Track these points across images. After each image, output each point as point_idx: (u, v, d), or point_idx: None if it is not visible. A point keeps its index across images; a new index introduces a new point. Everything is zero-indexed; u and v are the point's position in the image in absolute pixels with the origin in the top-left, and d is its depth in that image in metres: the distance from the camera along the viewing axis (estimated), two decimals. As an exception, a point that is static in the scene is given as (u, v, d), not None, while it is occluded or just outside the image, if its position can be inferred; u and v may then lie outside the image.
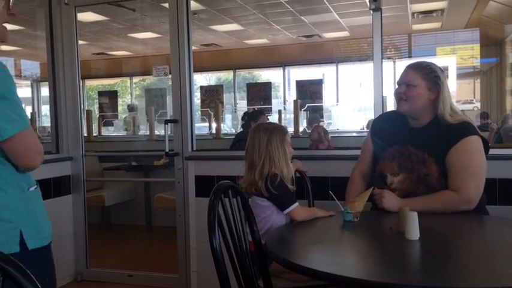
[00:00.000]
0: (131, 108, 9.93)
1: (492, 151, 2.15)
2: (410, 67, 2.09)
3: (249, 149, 2.04)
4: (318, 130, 4.36)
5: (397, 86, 2.11)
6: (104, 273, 3.57)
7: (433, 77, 2.03)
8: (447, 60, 8.64)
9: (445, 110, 2.02)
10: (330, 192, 2.01)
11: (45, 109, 10.46)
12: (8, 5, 1.44)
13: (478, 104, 9.23)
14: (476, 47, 8.40)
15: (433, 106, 2.04)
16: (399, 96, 2.07)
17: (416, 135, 2.07)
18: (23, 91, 11.37)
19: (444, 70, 2.11)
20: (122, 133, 9.43)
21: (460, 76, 9.09)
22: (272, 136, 2.01)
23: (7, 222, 1.32)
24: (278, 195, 1.95)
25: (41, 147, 1.41)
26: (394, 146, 2.09)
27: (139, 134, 8.25)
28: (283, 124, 8.00)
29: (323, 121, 8.58)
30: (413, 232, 1.60)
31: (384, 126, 2.26)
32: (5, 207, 1.32)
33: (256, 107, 8.68)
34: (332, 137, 7.35)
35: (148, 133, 6.89)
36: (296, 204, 1.96)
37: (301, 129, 6.68)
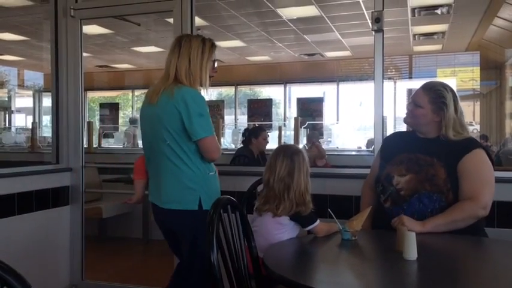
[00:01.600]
0: (133, 121, 9.96)
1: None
2: (422, 87, 2.20)
3: (289, 171, 1.99)
4: (317, 145, 4.37)
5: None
6: (99, 285, 3.53)
7: (439, 102, 2.12)
8: (447, 82, 8.68)
9: (448, 132, 2.10)
10: (329, 209, 2.01)
11: (46, 119, 10.49)
12: (213, 66, 2.20)
13: (478, 127, 9.26)
14: (477, 69, 8.47)
15: (439, 126, 2.14)
16: (407, 111, 2.22)
17: (425, 144, 2.16)
18: (25, 101, 11.42)
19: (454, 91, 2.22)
20: (122, 146, 9.45)
21: (460, 98, 9.06)
22: (295, 157, 2.01)
23: (192, 190, 2.06)
24: (304, 215, 1.97)
25: (219, 148, 2.14)
26: (403, 154, 2.18)
27: (140, 146, 8.25)
28: (283, 141, 8.03)
29: (322, 138, 8.61)
30: (411, 252, 1.60)
31: (394, 141, 2.37)
32: (192, 181, 2.06)
33: (256, 123, 8.71)
34: (331, 155, 7.39)
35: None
36: (318, 221, 1.98)
37: (300, 146, 6.69)
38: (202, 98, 2.09)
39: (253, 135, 4.40)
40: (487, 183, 2.05)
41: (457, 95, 2.19)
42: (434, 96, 2.13)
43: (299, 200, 1.96)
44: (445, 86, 2.19)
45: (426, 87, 2.18)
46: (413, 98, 2.19)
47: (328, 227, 2.00)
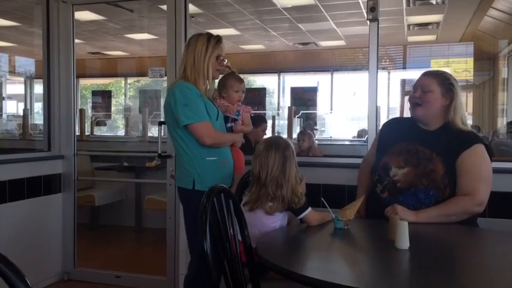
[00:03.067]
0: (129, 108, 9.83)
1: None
2: (426, 74, 2.16)
3: (282, 168, 1.97)
4: (305, 138, 4.32)
5: (412, 92, 2.18)
6: (91, 273, 3.54)
7: (447, 83, 2.10)
8: (441, 72, 8.71)
9: (456, 116, 2.08)
10: (322, 199, 2.01)
11: (38, 106, 10.40)
12: (221, 60, 2.35)
13: (470, 117, 9.30)
14: (470, 60, 8.47)
15: (445, 112, 2.11)
16: (414, 101, 2.14)
17: (425, 135, 2.13)
18: (16, 87, 11.29)
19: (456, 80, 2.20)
20: (115, 133, 9.39)
21: (453, 89, 9.14)
22: (286, 151, 1.99)
23: (187, 171, 2.28)
24: (297, 204, 1.96)
25: (209, 135, 2.24)
26: (402, 143, 2.15)
27: (128, 135, 8.21)
28: (276, 130, 8.02)
29: (316, 129, 8.61)
30: (403, 241, 1.61)
31: (393, 126, 2.34)
32: (187, 163, 2.28)
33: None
34: (325, 145, 7.40)
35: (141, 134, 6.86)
36: (310, 209, 1.98)
37: (294, 135, 6.69)
38: (191, 90, 2.25)
39: (254, 124, 4.33)
40: (484, 180, 2.04)
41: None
42: (442, 79, 2.11)
43: (292, 196, 1.95)
44: (446, 72, 2.18)
45: (430, 73, 2.16)
46: (421, 84, 2.13)
47: (321, 216, 2.00)
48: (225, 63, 2.38)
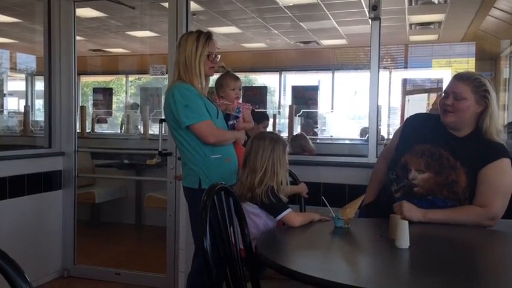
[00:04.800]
0: (135, 106, 9.79)
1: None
2: (459, 79, 2.02)
3: (251, 156, 2.03)
4: (298, 144, 4.28)
5: (442, 96, 2.06)
6: (91, 270, 3.54)
7: (482, 90, 1.98)
8: (442, 72, 8.70)
9: (491, 125, 1.98)
10: (322, 197, 2.01)
11: (39, 103, 10.39)
12: (213, 57, 2.33)
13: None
14: (472, 60, 8.46)
15: (476, 118, 2.01)
16: (445, 108, 2.01)
17: (452, 142, 2.03)
18: (17, 84, 11.29)
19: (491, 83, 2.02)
20: (115, 130, 9.39)
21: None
22: (276, 146, 2.02)
23: (193, 171, 2.28)
24: (269, 204, 1.96)
25: (213, 133, 2.24)
26: (426, 144, 2.05)
27: (133, 132, 8.21)
28: (277, 129, 8.02)
29: (317, 127, 8.60)
30: (404, 240, 1.61)
31: (417, 124, 2.21)
32: (192, 163, 2.28)
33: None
34: (326, 143, 7.38)
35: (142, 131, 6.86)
36: (289, 209, 1.96)
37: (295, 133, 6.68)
38: (190, 91, 2.25)
39: (256, 120, 4.30)
40: (502, 194, 1.96)
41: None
42: (477, 85, 1.97)
43: (262, 187, 1.96)
44: (481, 75, 2.04)
45: (464, 78, 2.00)
46: (453, 91, 1.99)
47: (302, 217, 1.98)
48: (217, 60, 2.36)
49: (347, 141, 7.82)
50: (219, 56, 2.37)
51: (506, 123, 7.15)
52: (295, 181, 2.54)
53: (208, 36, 2.33)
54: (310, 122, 8.59)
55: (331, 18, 6.86)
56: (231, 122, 2.44)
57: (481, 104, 1.98)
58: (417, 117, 2.31)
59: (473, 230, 2.02)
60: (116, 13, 6.77)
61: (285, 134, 6.53)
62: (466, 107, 1.97)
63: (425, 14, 6.83)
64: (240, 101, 2.55)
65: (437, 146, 2.02)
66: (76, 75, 3.58)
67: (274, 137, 2.09)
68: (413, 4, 6.11)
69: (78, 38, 3.65)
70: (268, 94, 9.87)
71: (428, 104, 7.99)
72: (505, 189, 1.97)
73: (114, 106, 10.83)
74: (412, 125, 2.22)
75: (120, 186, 5.17)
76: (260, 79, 11.01)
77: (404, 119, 2.46)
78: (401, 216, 1.84)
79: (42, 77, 3.58)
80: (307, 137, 4.57)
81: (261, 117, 4.38)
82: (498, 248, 1.84)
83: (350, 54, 9.51)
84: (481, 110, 1.99)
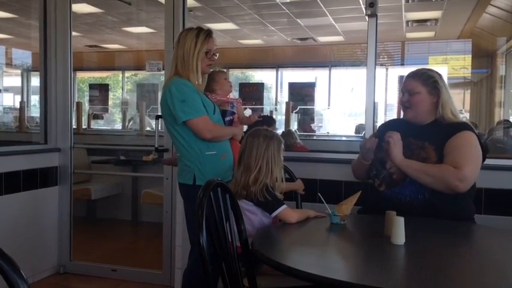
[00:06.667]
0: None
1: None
2: (409, 76, 2.20)
3: (246, 153, 2.04)
4: (289, 137, 4.30)
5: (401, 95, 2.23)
6: (87, 266, 3.54)
7: (431, 82, 2.15)
8: (439, 69, 8.68)
9: (445, 111, 2.13)
10: (319, 194, 2.01)
11: (34, 99, 10.35)
12: (211, 54, 2.33)
13: (468, 115, 9.31)
14: (468, 57, 8.47)
15: (435, 108, 2.16)
16: (403, 105, 2.20)
17: (417, 130, 2.17)
18: (13, 80, 11.23)
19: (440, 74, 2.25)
20: (112, 127, 9.36)
21: (451, 86, 9.08)
22: (270, 143, 2.02)
23: (188, 167, 2.28)
24: (265, 202, 1.96)
25: (209, 128, 2.24)
26: None
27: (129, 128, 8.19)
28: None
29: (313, 123, 8.61)
30: (399, 237, 1.62)
31: (388, 127, 2.35)
32: (187, 158, 2.28)
33: (248, 107, 8.66)
34: (322, 140, 7.39)
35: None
36: (284, 206, 1.96)
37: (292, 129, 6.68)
38: (187, 86, 2.25)
39: (267, 124, 4.30)
40: (472, 159, 2.05)
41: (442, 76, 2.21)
42: (425, 79, 2.16)
43: (256, 185, 1.97)
44: (429, 69, 2.24)
45: (413, 75, 2.20)
46: (406, 88, 2.19)
47: (298, 214, 1.99)
48: (215, 58, 2.37)
49: (343, 138, 7.83)
50: (217, 54, 2.38)
51: (502, 119, 7.18)
52: (291, 178, 2.55)
53: (208, 33, 2.34)
54: (307, 118, 8.60)
55: (328, 15, 6.85)
56: (227, 118, 2.44)
57: (434, 94, 2.14)
58: (387, 123, 2.59)
59: (468, 226, 2.04)
60: (112, 9, 6.74)
61: (281, 131, 6.53)
62: (421, 100, 2.14)
63: (422, 11, 6.83)
64: (236, 95, 2.56)
65: (407, 137, 2.15)
66: (72, 71, 3.56)
67: (269, 134, 2.08)
68: (410, 1, 6.12)
69: (74, 33, 3.63)
70: (265, 91, 9.87)
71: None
72: (472, 156, 2.06)
73: (110, 102, 10.80)
74: (383, 129, 2.34)
75: (116, 183, 5.17)
76: (257, 75, 11.00)
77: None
78: (385, 146, 2.07)
79: (37, 73, 3.57)
80: (298, 133, 4.62)
81: (272, 122, 4.46)
82: (494, 244, 1.85)
83: (347, 51, 9.51)
84: (436, 99, 2.14)
